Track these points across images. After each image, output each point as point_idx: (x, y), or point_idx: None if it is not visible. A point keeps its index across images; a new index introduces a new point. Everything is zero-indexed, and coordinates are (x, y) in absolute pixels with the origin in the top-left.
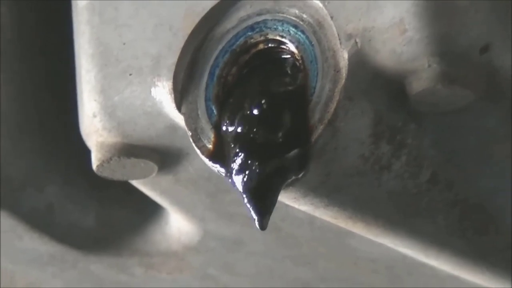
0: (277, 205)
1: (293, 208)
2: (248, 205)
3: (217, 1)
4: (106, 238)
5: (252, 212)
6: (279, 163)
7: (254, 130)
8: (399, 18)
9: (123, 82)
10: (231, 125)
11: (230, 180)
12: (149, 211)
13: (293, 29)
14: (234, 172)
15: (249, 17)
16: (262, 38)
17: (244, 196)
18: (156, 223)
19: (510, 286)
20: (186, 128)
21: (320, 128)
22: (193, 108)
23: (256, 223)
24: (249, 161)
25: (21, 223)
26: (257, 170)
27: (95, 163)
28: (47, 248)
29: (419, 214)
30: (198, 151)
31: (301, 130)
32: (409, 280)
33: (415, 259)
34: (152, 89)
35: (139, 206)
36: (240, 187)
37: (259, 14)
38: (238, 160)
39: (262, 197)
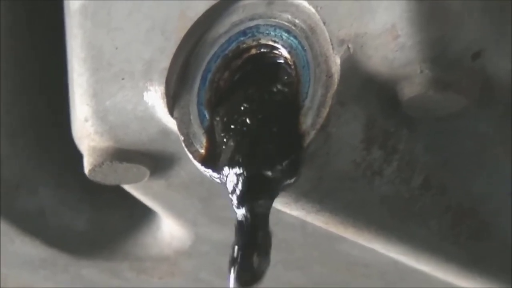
0: None
1: (284, 213)
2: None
3: (209, 6)
4: (98, 242)
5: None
6: (271, 168)
7: (246, 135)
8: (391, 23)
9: (115, 87)
10: (223, 130)
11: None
12: (141, 215)
13: (286, 34)
14: (226, 178)
15: (241, 22)
16: (254, 43)
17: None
18: (148, 228)
19: None
20: (178, 133)
21: (312, 134)
22: (186, 113)
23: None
24: (241, 167)
25: (13, 226)
26: (249, 176)
27: (87, 167)
28: (39, 252)
29: (412, 220)
30: (190, 156)
31: (293, 135)
32: (402, 285)
33: (407, 264)
34: (144, 94)
35: (131, 211)
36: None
37: (251, 19)
38: (230, 165)
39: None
